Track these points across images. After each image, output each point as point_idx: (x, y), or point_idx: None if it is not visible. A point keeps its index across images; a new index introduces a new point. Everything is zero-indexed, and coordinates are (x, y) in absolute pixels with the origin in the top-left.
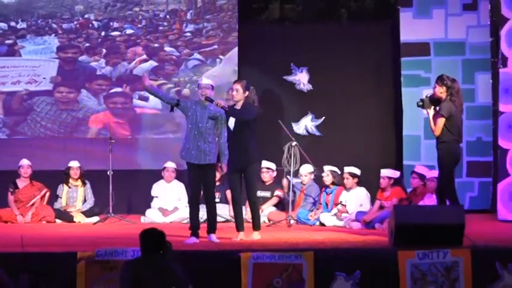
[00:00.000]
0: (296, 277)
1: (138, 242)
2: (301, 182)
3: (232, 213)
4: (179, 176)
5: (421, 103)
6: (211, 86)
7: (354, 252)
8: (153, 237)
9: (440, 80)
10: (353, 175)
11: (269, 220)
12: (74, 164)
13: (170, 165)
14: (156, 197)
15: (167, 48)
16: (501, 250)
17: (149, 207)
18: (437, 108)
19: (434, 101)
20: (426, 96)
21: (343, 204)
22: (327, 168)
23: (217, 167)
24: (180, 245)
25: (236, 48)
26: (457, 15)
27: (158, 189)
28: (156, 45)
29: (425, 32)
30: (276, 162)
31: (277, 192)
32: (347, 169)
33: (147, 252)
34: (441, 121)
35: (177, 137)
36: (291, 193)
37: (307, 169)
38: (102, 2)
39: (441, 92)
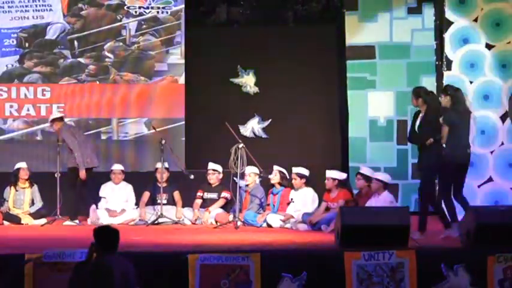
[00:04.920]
0: (243, 278)
1: (86, 244)
2: (245, 183)
3: (178, 215)
4: (127, 177)
5: None
6: None
7: (301, 253)
8: (111, 235)
9: (444, 90)
10: (301, 176)
11: (216, 222)
12: (23, 164)
13: (117, 167)
14: (104, 197)
15: None
16: (446, 251)
17: (97, 208)
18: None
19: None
20: None
21: (293, 202)
22: (276, 168)
23: None
24: (128, 246)
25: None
26: (401, 19)
27: (106, 190)
28: None
29: (370, 35)
30: (223, 164)
31: (224, 194)
32: (295, 169)
33: (105, 251)
34: (445, 130)
35: (125, 140)
36: (238, 195)
37: (250, 170)
38: None
39: (445, 101)
